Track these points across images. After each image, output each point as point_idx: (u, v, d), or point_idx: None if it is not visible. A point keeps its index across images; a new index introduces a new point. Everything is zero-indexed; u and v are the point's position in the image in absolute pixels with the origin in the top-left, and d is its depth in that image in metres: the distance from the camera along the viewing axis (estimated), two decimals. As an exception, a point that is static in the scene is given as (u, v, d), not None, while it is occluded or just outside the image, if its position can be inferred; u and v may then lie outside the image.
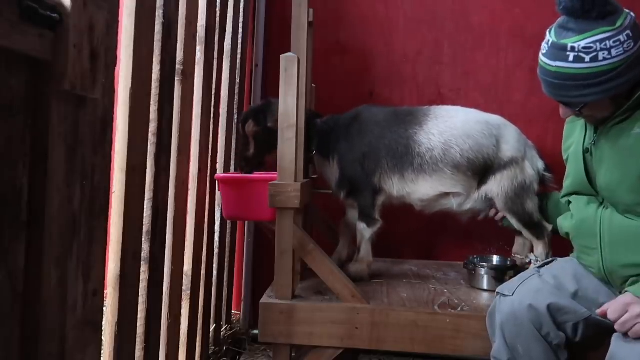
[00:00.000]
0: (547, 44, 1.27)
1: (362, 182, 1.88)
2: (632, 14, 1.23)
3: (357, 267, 1.90)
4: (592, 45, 1.19)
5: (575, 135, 1.47)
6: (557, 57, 1.24)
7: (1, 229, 0.64)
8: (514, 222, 1.84)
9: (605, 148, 1.33)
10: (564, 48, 1.22)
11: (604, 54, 1.18)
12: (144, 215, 1.29)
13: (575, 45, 1.20)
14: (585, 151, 1.39)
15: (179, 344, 1.59)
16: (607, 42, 1.18)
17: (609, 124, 1.31)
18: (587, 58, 1.19)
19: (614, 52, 1.18)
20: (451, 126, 1.85)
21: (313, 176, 2.06)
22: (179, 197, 1.51)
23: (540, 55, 1.30)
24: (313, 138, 1.93)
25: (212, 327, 2.02)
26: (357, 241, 1.93)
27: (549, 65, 1.26)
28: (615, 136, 1.30)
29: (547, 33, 1.29)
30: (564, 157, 1.54)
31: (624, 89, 1.24)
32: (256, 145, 1.93)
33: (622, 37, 1.18)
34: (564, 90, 1.26)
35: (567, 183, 1.49)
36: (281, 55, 1.60)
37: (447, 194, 1.87)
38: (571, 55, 1.21)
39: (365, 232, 1.89)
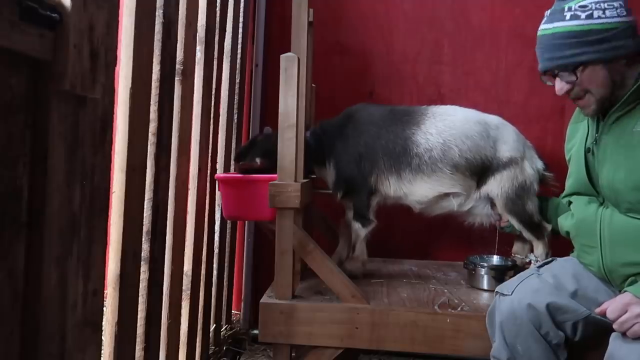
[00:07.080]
0: (547, 12, 1.37)
1: (358, 182, 1.88)
2: None
3: (352, 265, 1.91)
4: (587, 4, 1.29)
5: (577, 136, 1.48)
6: (555, 19, 1.34)
7: (1, 229, 0.64)
8: (515, 223, 1.84)
9: (607, 147, 1.33)
10: (562, 10, 1.32)
11: (598, 12, 1.28)
12: (144, 215, 1.29)
13: (572, 5, 1.31)
14: (587, 151, 1.39)
15: (179, 344, 1.59)
16: (602, 3, 1.28)
17: (610, 119, 1.32)
18: (583, 15, 1.29)
19: (608, 13, 1.28)
20: (450, 125, 1.85)
21: (313, 176, 2.05)
22: (179, 197, 1.51)
23: (540, 27, 1.38)
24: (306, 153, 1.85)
25: (212, 327, 2.02)
26: (352, 240, 1.94)
27: (547, 28, 1.35)
28: (618, 134, 1.30)
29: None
30: (567, 158, 1.54)
31: (617, 56, 1.28)
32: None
33: (615, 3, 1.28)
34: (559, 51, 1.31)
35: (569, 183, 1.50)
36: (281, 55, 1.60)
37: (446, 195, 1.86)
38: (568, 15, 1.32)
39: (360, 231, 1.90)
